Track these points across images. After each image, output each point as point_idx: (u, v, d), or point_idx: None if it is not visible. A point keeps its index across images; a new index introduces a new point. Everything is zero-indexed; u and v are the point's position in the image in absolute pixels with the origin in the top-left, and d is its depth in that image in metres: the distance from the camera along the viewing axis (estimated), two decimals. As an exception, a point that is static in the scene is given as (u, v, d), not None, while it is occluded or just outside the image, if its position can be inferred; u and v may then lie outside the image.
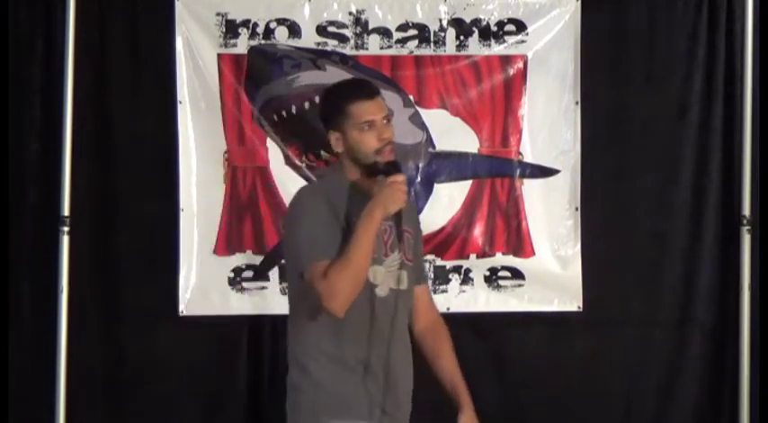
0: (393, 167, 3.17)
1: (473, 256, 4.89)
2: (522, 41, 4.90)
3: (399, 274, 3.25)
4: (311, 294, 3.12)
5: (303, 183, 4.84)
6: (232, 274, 4.85)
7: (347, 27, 4.86)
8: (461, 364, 3.44)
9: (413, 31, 4.88)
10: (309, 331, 3.24)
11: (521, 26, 4.89)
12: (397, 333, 3.25)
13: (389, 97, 4.85)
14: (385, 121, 3.20)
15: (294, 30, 4.85)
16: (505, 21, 4.89)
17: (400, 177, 3.14)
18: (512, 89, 4.90)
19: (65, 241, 4.70)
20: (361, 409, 3.20)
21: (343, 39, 4.86)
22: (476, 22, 4.88)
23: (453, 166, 4.89)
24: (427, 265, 4.86)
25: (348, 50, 4.86)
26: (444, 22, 4.88)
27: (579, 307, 4.89)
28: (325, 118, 3.29)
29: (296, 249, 3.19)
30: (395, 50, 4.87)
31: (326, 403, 3.21)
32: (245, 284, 4.85)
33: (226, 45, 4.82)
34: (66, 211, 4.71)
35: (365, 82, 3.40)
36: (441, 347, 3.42)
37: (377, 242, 3.16)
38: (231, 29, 4.82)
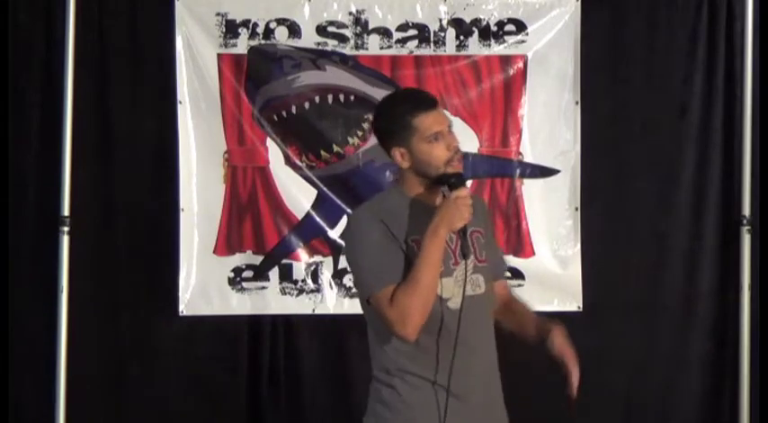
0: (459, 180, 3.09)
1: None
2: (522, 41, 4.90)
3: (475, 279, 3.17)
4: (381, 321, 3.10)
5: (303, 183, 4.86)
6: (232, 274, 4.85)
7: (347, 27, 4.86)
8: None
9: (413, 31, 4.88)
10: (388, 350, 3.21)
11: (521, 26, 4.89)
12: (474, 342, 3.14)
13: (389, 97, 4.86)
14: (450, 131, 3.13)
15: (294, 30, 4.85)
16: (505, 21, 4.89)
17: (464, 191, 3.06)
18: (512, 89, 4.90)
19: (65, 241, 4.70)
20: None
21: (343, 39, 4.86)
22: (476, 22, 4.89)
23: (453, 166, 4.88)
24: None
25: (348, 50, 4.86)
26: (444, 22, 4.88)
27: (579, 307, 4.89)
28: (386, 134, 3.17)
29: (359, 277, 3.17)
30: (395, 50, 4.87)
31: (406, 419, 3.18)
32: (245, 284, 4.85)
33: (226, 45, 4.82)
34: (66, 211, 4.71)
35: (423, 93, 3.28)
36: (514, 311, 3.32)
37: (444, 255, 3.09)
38: (231, 29, 4.82)
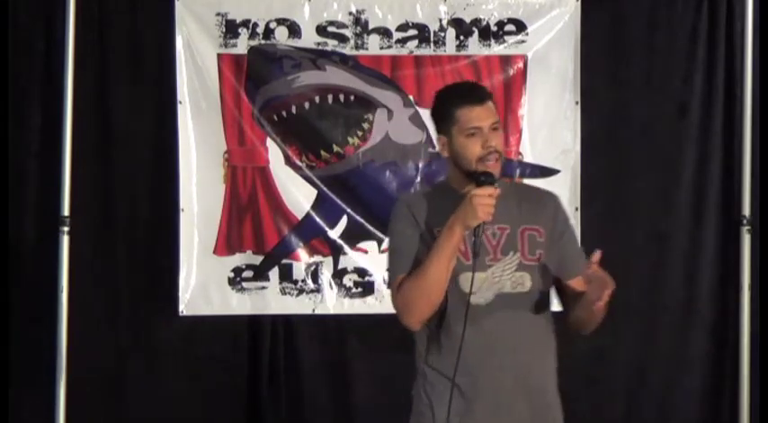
0: (486, 179, 3.07)
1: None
2: (522, 41, 4.90)
3: (518, 277, 3.15)
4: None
5: (303, 183, 4.87)
6: (232, 274, 4.85)
7: (347, 27, 4.86)
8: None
9: (413, 31, 4.88)
10: (419, 341, 3.24)
11: (521, 26, 4.89)
12: (503, 341, 3.13)
13: (389, 97, 4.86)
14: (493, 129, 3.11)
15: (294, 30, 4.85)
16: (505, 21, 4.89)
17: (486, 191, 3.03)
18: (512, 89, 4.90)
19: (65, 241, 4.70)
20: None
21: (343, 39, 4.86)
22: (476, 22, 4.89)
23: (453, 165, 4.89)
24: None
25: (348, 50, 4.86)
26: (444, 22, 4.88)
27: (579, 307, 4.89)
28: (434, 121, 3.22)
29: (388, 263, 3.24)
30: (395, 50, 4.87)
31: (426, 412, 3.20)
32: (245, 284, 4.86)
33: (226, 45, 4.82)
34: (66, 211, 4.71)
35: (476, 86, 3.27)
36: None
37: (481, 248, 3.09)
38: (231, 29, 4.82)
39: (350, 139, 4.86)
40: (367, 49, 4.87)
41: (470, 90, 3.20)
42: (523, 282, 3.16)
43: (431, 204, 3.17)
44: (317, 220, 4.88)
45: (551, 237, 3.20)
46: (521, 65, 4.91)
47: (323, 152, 4.85)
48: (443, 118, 3.16)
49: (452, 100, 3.15)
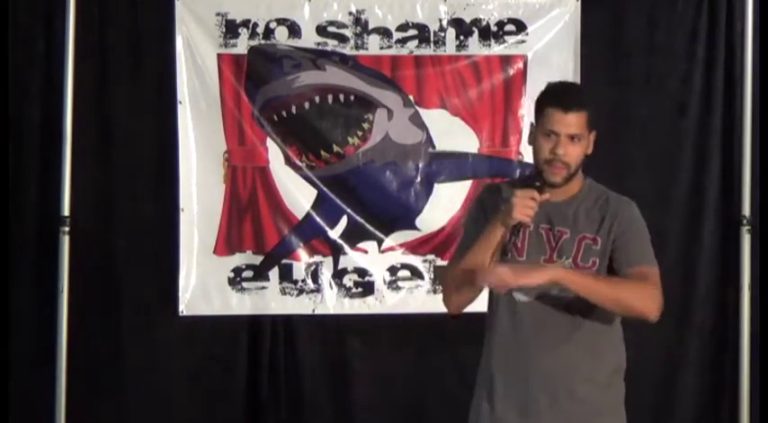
0: (533, 181, 3.16)
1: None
2: (522, 41, 4.90)
3: None
4: None
5: (303, 183, 4.87)
6: (232, 274, 4.85)
7: (347, 27, 4.86)
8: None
9: (413, 31, 4.88)
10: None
11: (521, 26, 4.89)
12: (537, 341, 3.18)
13: (389, 97, 4.86)
14: (571, 139, 3.16)
15: (294, 30, 4.85)
16: (505, 21, 4.89)
17: (527, 193, 3.10)
18: (512, 89, 4.90)
19: (65, 241, 4.71)
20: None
21: (343, 39, 4.86)
22: (476, 22, 4.88)
23: (453, 166, 4.89)
24: (427, 264, 4.87)
25: (348, 50, 4.85)
26: (444, 22, 4.88)
27: (579, 307, 4.89)
28: (534, 109, 3.28)
29: None
30: (395, 50, 4.87)
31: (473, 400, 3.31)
32: (245, 284, 4.85)
33: (226, 45, 4.82)
34: (66, 211, 4.71)
35: (573, 95, 3.28)
36: None
37: (535, 245, 3.18)
38: (231, 29, 4.82)
39: (350, 139, 4.86)
40: (367, 49, 4.87)
41: (566, 94, 3.24)
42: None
43: (505, 195, 3.23)
44: (317, 220, 4.87)
45: (608, 245, 3.22)
46: (521, 65, 4.90)
47: (323, 152, 4.85)
48: (538, 110, 3.22)
49: (549, 96, 3.21)
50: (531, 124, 3.27)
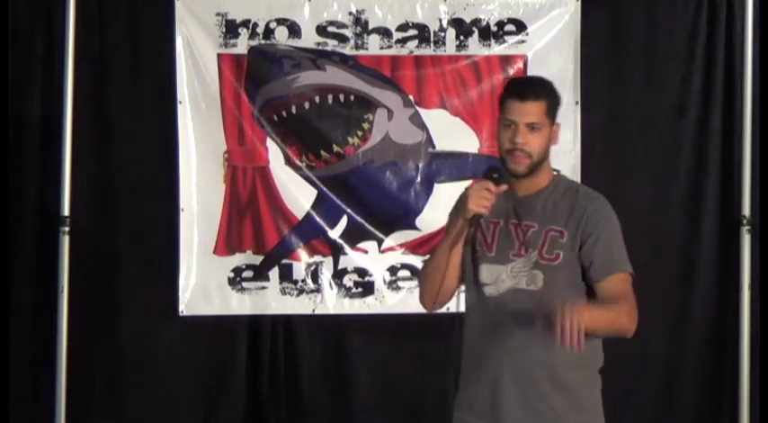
0: (490, 173, 3.17)
1: (473, 256, 4.90)
2: (522, 41, 4.90)
3: (533, 275, 3.20)
4: None
5: (303, 183, 4.87)
6: (232, 274, 4.85)
7: (347, 27, 4.86)
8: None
9: (413, 31, 4.88)
10: None
11: (521, 26, 4.89)
12: (508, 334, 3.17)
13: (389, 97, 4.86)
14: (530, 129, 3.16)
15: (294, 30, 4.85)
16: (505, 21, 4.89)
17: (483, 184, 3.13)
18: (512, 89, 4.90)
19: (65, 241, 4.70)
20: (460, 408, 3.30)
21: (343, 39, 4.86)
22: (476, 22, 4.89)
23: (453, 166, 4.89)
24: (427, 264, 4.87)
25: (348, 50, 4.86)
26: (444, 22, 4.88)
27: (579, 307, 4.89)
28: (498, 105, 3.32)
29: None
30: (395, 50, 4.87)
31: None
32: (245, 284, 4.86)
33: (226, 45, 4.82)
34: (66, 211, 4.71)
35: (532, 83, 3.31)
36: None
37: (504, 240, 3.20)
38: (231, 29, 4.82)
39: (350, 139, 4.86)
40: (367, 49, 4.87)
41: (524, 85, 3.27)
42: (536, 281, 3.20)
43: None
44: (317, 220, 4.88)
45: (576, 239, 3.22)
46: (521, 65, 4.91)
47: (323, 152, 4.85)
48: (500, 104, 3.24)
49: (508, 89, 3.24)
50: (497, 117, 3.26)
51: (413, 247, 4.89)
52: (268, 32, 4.83)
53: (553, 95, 3.25)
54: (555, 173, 3.32)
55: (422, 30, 4.88)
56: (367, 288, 4.89)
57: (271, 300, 4.86)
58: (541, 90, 3.22)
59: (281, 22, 4.84)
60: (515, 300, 3.18)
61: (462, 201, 3.22)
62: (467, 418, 3.26)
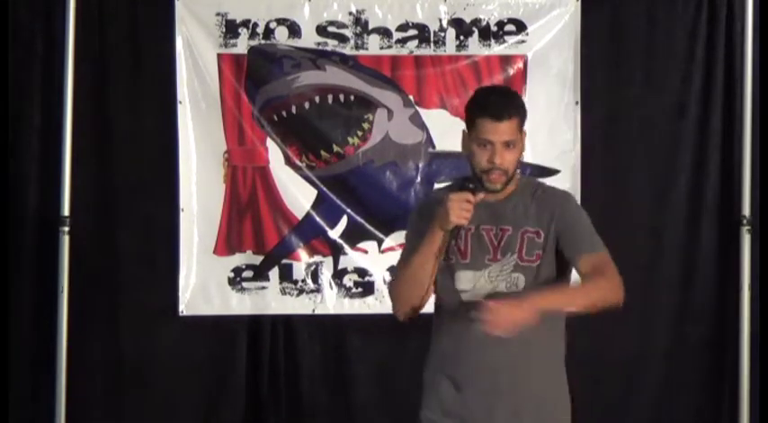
0: (467, 184, 3.16)
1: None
2: (522, 41, 4.90)
3: (514, 278, 3.20)
4: None
5: (303, 183, 4.87)
6: (232, 274, 4.85)
7: (347, 27, 4.86)
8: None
9: (413, 31, 4.88)
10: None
11: (521, 26, 4.89)
12: (490, 336, 3.11)
13: (389, 97, 4.86)
14: (506, 146, 3.15)
15: (294, 30, 4.85)
16: (505, 21, 4.89)
17: (462, 196, 3.10)
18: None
19: (65, 241, 4.71)
20: (432, 413, 3.31)
21: (343, 39, 4.86)
22: (476, 22, 4.89)
23: (453, 166, 4.88)
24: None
25: (348, 50, 4.86)
26: (444, 22, 4.88)
27: (579, 307, 4.89)
28: (465, 115, 3.26)
29: None
30: (395, 50, 4.87)
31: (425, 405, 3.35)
32: (245, 284, 4.86)
33: (226, 45, 4.82)
34: (66, 211, 4.71)
35: (505, 100, 3.23)
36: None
37: (477, 246, 3.19)
38: (231, 29, 4.82)
39: (350, 139, 4.86)
40: (367, 49, 4.87)
41: (497, 104, 3.19)
42: (518, 283, 3.21)
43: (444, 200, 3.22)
44: (317, 220, 4.88)
45: (551, 236, 3.23)
46: (521, 65, 4.91)
47: (323, 152, 4.86)
48: (468, 118, 3.21)
49: (480, 106, 3.18)
50: (463, 131, 3.22)
51: (413, 247, 4.89)
52: (268, 32, 4.83)
53: (523, 107, 3.24)
54: (518, 175, 3.30)
55: (422, 30, 4.88)
56: (367, 288, 4.90)
57: (271, 300, 4.87)
58: (513, 107, 3.20)
59: (281, 22, 4.85)
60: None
61: (421, 216, 3.23)
62: (435, 419, 3.27)
